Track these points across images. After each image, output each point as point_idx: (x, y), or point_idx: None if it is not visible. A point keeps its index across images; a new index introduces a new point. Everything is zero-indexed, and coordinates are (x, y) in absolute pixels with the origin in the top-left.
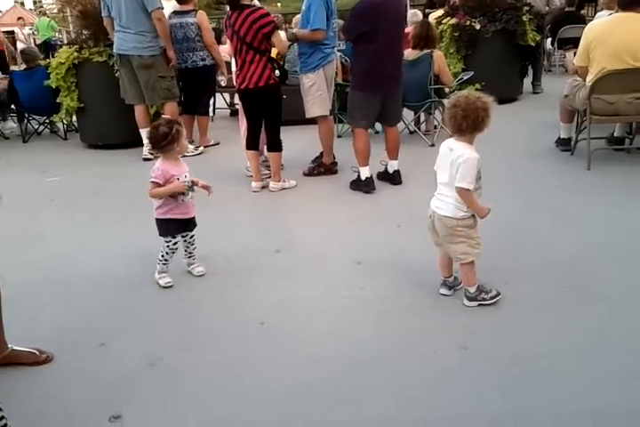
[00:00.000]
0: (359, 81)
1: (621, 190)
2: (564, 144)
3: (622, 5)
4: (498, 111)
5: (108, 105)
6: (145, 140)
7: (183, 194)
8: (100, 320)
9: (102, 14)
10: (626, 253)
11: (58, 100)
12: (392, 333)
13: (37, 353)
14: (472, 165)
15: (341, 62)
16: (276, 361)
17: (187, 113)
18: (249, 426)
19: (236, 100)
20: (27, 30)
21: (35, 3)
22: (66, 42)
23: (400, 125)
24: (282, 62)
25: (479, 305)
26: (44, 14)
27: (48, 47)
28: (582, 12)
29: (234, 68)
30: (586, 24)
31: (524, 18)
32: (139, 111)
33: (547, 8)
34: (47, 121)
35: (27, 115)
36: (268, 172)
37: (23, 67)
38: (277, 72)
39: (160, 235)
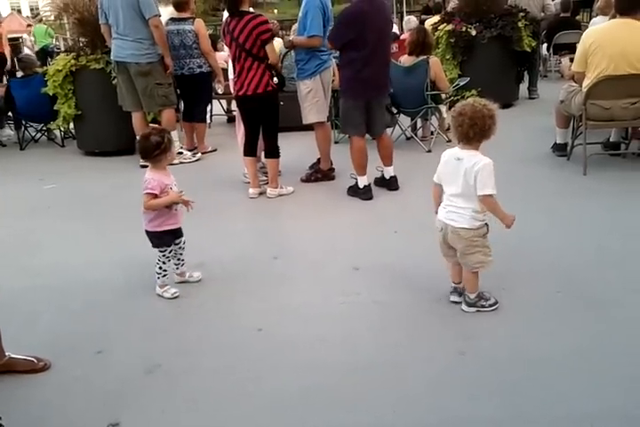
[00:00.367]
0: (346, 89)
1: (617, 195)
2: (560, 149)
3: (619, 11)
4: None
5: (105, 112)
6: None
7: (176, 203)
8: (97, 327)
9: (100, 21)
10: (622, 257)
11: (55, 108)
12: (390, 338)
13: (35, 361)
14: (490, 171)
15: (338, 69)
16: (274, 367)
17: (186, 120)
18: None
19: (234, 106)
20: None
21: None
22: (63, 49)
23: (396, 131)
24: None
25: (477, 311)
26: (40, 21)
27: (46, 54)
28: (577, 17)
29: (230, 75)
30: (581, 30)
31: (520, 24)
32: (136, 118)
33: (542, 14)
34: (44, 128)
35: (24, 122)
36: (265, 178)
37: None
38: (276, 79)
39: (155, 246)
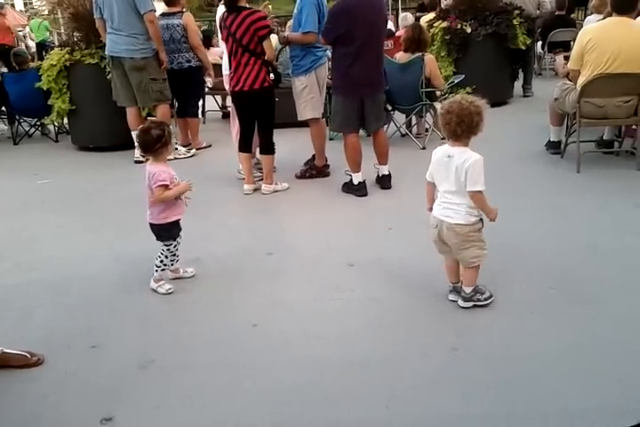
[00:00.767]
0: (337, 85)
1: (610, 193)
2: (554, 147)
3: (615, 9)
4: (488, 114)
5: (99, 107)
6: (137, 143)
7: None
8: (91, 322)
9: (94, 16)
10: (614, 254)
11: (49, 103)
12: (384, 334)
13: (28, 356)
14: (481, 167)
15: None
16: (269, 363)
17: (179, 116)
18: None
19: (228, 102)
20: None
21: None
22: (57, 44)
23: (391, 128)
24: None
25: (474, 306)
26: (35, 15)
27: (43, 48)
28: (572, 15)
29: (225, 71)
30: (576, 28)
31: (515, 21)
32: (130, 113)
33: (537, 12)
34: (38, 123)
35: (17, 117)
36: (260, 174)
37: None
38: (272, 75)
39: (162, 240)
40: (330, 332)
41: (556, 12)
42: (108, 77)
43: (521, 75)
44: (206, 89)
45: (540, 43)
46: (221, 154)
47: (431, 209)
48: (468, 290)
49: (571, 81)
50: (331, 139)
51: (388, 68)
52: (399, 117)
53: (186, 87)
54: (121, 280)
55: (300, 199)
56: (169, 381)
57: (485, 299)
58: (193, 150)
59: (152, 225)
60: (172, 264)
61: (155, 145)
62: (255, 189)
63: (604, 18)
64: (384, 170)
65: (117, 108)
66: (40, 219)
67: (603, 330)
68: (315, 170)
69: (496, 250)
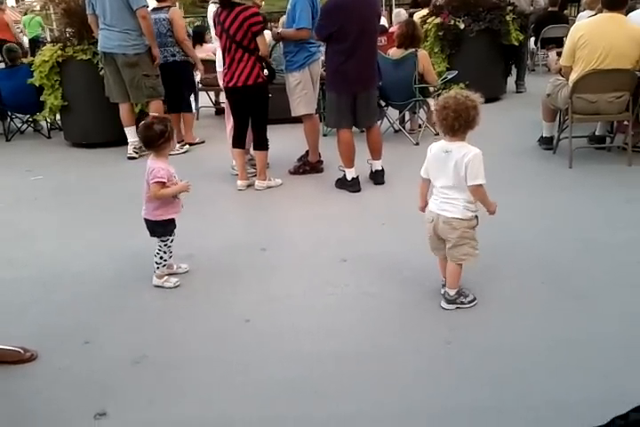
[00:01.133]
0: (330, 81)
1: (602, 188)
2: (547, 143)
3: (606, 6)
4: (482, 110)
5: (92, 103)
6: (130, 139)
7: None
8: (84, 318)
9: (87, 12)
10: (606, 249)
11: (41, 99)
12: (377, 329)
13: (22, 352)
14: (480, 161)
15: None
16: (262, 358)
17: (173, 111)
18: (234, 422)
19: (222, 98)
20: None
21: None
22: (50, 40)
23: (385, 124)
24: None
25: (457, 308)
26: (27, 11)
27: (35, 44)
28: (565, 12)
29: (219, 68)
30: (569, 24)
31: (508, 17)
32: (123, 110)
33: (531, 8)
34: (30, 119)
35: (10, 113)
36: (253, 170)
37: None
38: (266, 71)
39: (158, 236)
40: (323, 327)
41: (549, 9)
42: (101, 73)
43: (514, 71)
44: (199, 85)
45: (533, 39)
46: (215, 150)
47: (423, 209)
48: (451, 293)
49: (563, 77)
50: (324, 135)
51: (381, 63)
52: (392, 113)
53: (173, 82)
54: (114, 276)
55: (294, 195)
56: (162, 376)
57: (469, 302)
58: (186, 146)
59: (147, 220)
60: (169, 258)
61: (157, 140)
62: (249, 185)
63: (595, 14)
64: (377, 165)
65: (110, 104)
66: (33, 215)
67: (593, 325)
68: (308, 166)
69: (488, 245)
